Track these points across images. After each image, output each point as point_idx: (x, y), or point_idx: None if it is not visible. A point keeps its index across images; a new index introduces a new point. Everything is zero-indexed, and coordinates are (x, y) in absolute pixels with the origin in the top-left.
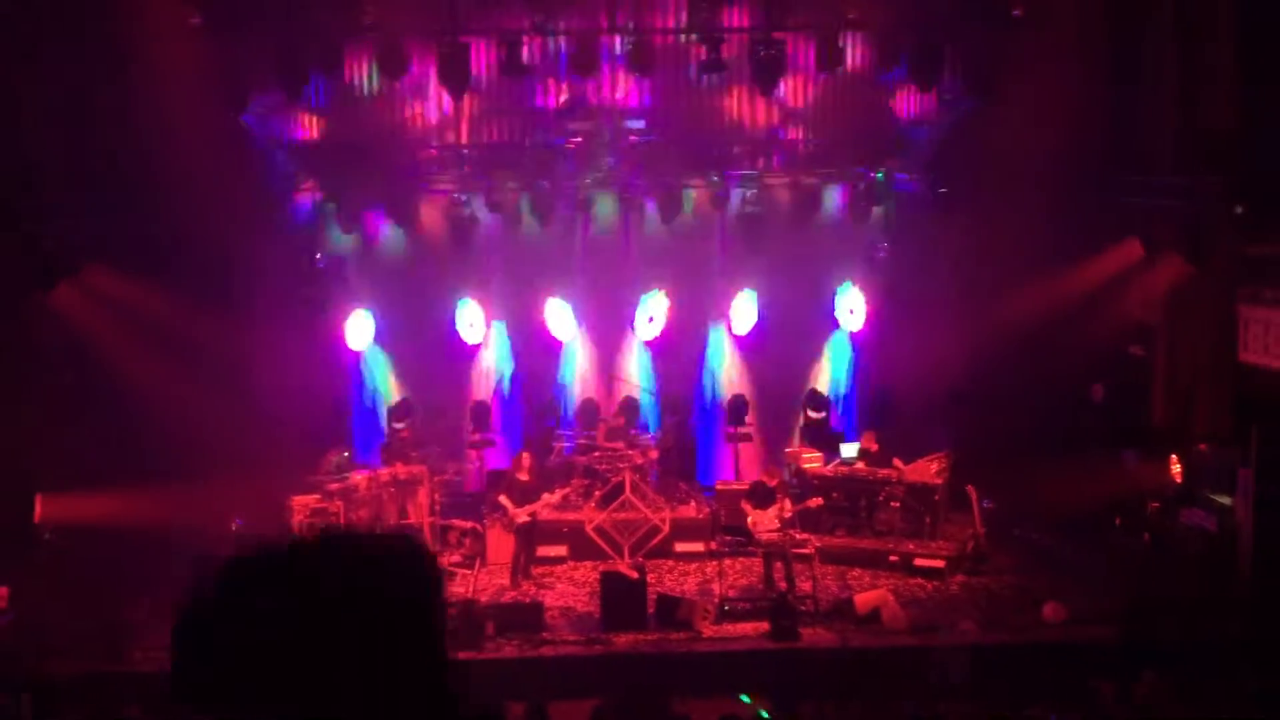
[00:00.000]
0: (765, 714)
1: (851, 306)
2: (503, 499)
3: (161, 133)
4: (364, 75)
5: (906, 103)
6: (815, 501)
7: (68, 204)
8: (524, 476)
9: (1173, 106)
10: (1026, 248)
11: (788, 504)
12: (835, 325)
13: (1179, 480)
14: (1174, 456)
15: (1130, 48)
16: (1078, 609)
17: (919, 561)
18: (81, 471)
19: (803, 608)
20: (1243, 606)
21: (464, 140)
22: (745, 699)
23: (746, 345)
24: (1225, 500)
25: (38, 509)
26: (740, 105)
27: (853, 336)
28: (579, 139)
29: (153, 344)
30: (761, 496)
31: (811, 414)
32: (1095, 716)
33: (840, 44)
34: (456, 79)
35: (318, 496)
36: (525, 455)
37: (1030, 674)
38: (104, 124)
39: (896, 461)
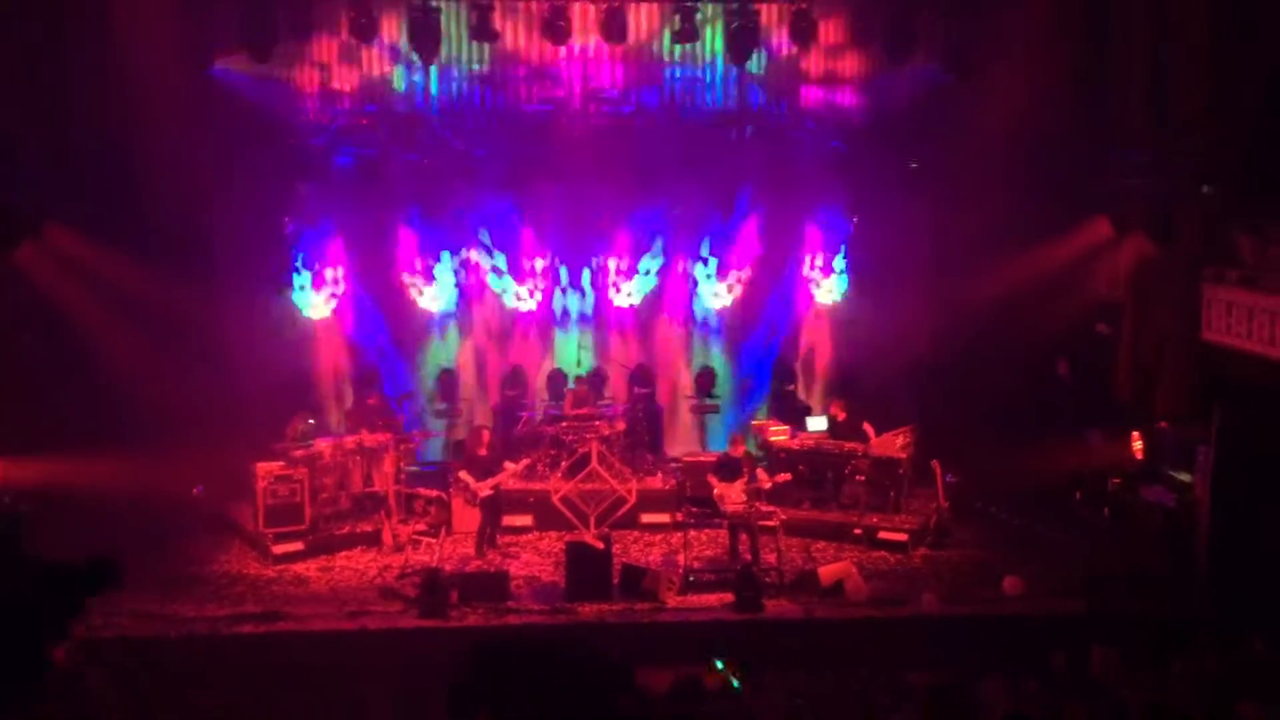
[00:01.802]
0: (736, 684)
1: (820, 280)
2: (463, 475)
3: (127, 93)
4: (333, 37)
5: (880, 77)
6: (784, 477)
7: (30, 163)
8: (483, 452)
9: (1144, 87)
10: (996, 224)
11: (762, 475)
12: (804, 298)
13: (1140, 457)
14: (1136, 433)
15: (1103, 27)
16: (1037, 583)
17: (883, 535)
18: (41, 436)
19: (767, 579)
20: (1200, 582)
21: (436, 106)
22: (719, 665)
23: (716, 317)
24: (1185, 477)
25: None
26: (711, 75)
27: (821, 310)
28: (549, 108)
29: (116, 307)
30: (728, 470)
31: (779, 386)
32: (1051, 688)
33: (814, 17)
34: (427, 43)
35: (282, 464)
36: (485, 431)
37: (989, 646)
38: (68, 83)
39: (867, 426)
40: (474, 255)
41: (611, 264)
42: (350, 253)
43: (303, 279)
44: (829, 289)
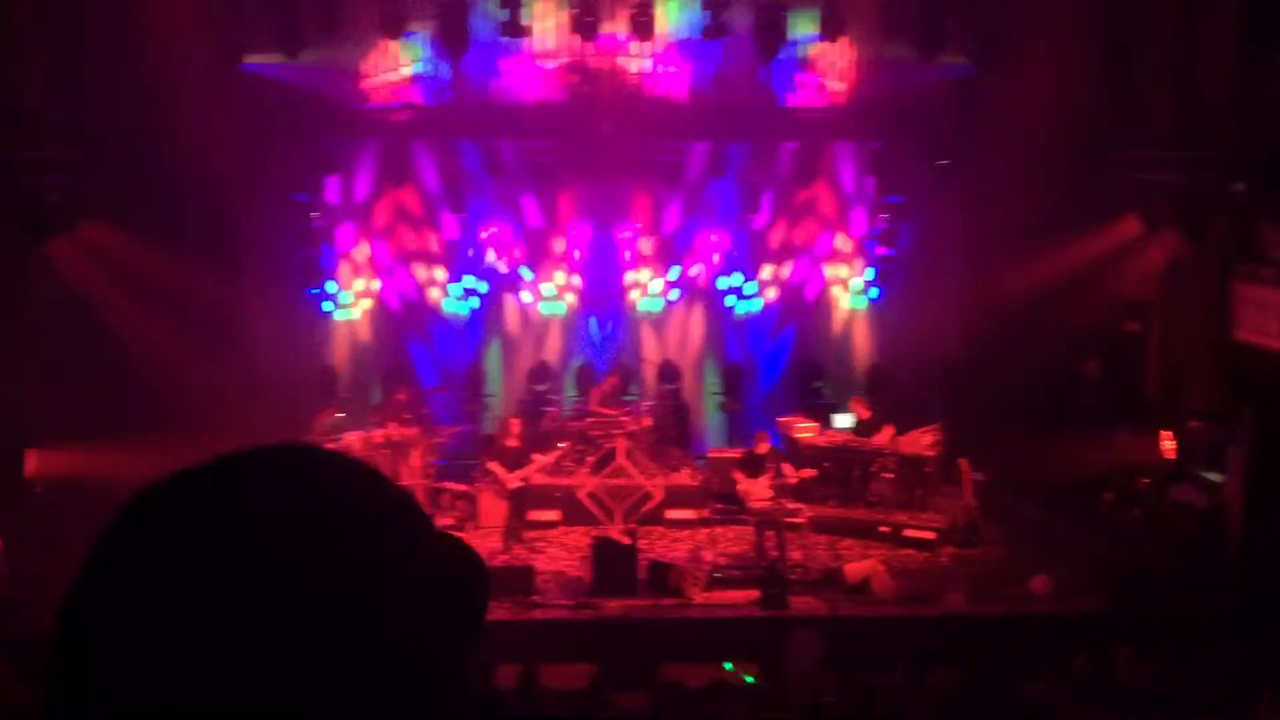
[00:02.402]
0: (751, 679)
1: (850, 276)
2: (493, 466)
3: (160, 88)
4: (363, 34)
5: (908, 73)
6: (809, 473)
7: (66, 158)
8: (513, 443)
9: (1172, 82)
10: (1025, 221)
11: (788, 469)
12: (832, 295)
13: (1171, 456)
14: (1166, 432)
15: (1131, 22)
16: (1066, 582)
17: (909, 532)
18: (74, 427)
19: (793, 576)
20: (1230, 583)
21: (461, 99)
22: (729, 666)
23: (743, 314)
24: (1216, 477)
25: (29, 463)
26: (743, 70)
27: (849, 307)
28: (578, 103)
29: (148, 300)
30: (753, 465)
31: (806, 383)
32: (1078, 688)
33: (843, 12)
34: (455, 40)
35: None
36: (514, 421)
37: (1017, 645)
38: (103, 78)
39: (889, 430)
40: (502, 249)
41: (638, 256)
42: (379, 247)
43: (331, 273)
44: (857, 286)
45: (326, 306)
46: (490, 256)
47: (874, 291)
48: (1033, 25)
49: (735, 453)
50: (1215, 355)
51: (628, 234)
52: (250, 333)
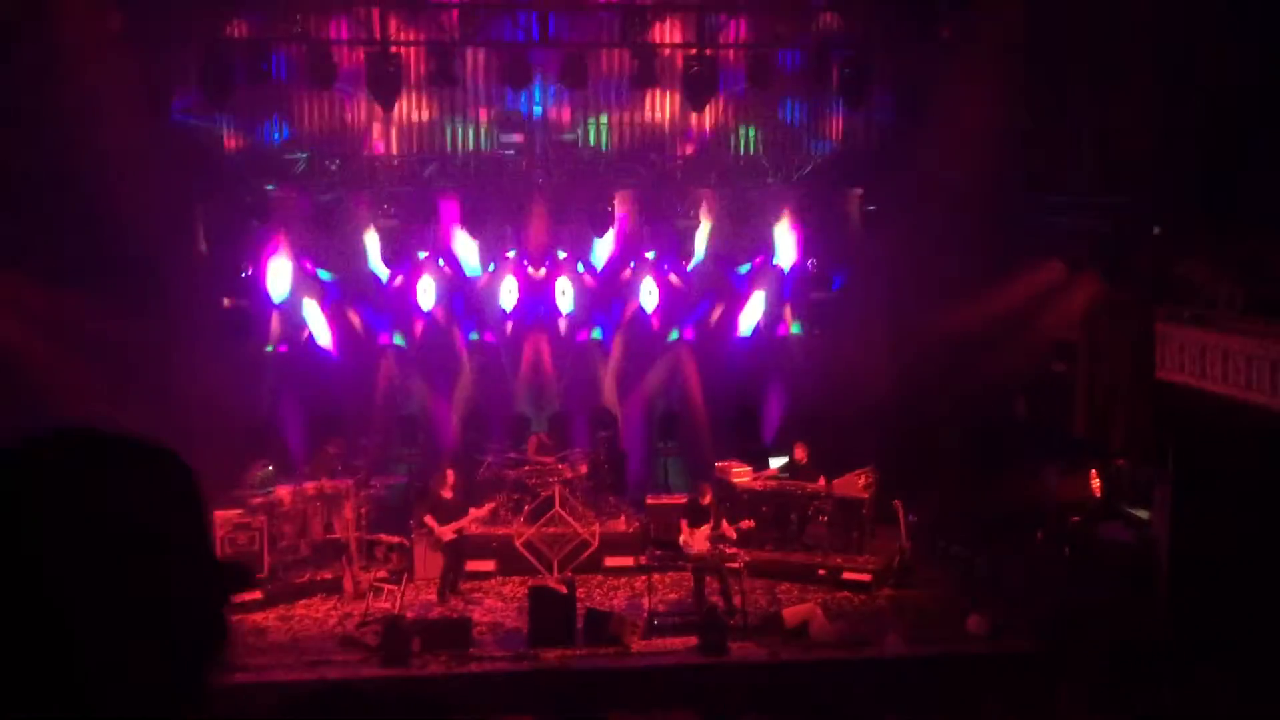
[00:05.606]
0: None
1: (780, 321)
2: (428, 519)
3: (85, 136)
4: (291, 82)
5: (835, 121)
6: (747, 523)
7: None
8: (448, 494)
9: (1092, 129)
10: (952, 265)
11: (725, 525)
12: (765, 340)
13: (1099, 494)
14: (1094, 471)
15: (1052, 71)
16: (1000, 621)
17: (846, 575)
18: None
19: (731, 622)
20: (1160, 618)
21: (393, 150)
22: None
23: (678, 359)
24: (1143, 514)
25: None
26: (672, 118)
27: (782, 351)
28: (510, 151)
29: (71, 350)
30: (695, 514)
31: (740, 427)
32: None
33: (771, 62)
34: (386, 89)
35: (240, 511)
36: (449, 472)
37: (955, 685)
38: (24, 127)
39: (822, 481)
40: (435, 298)
41: (570, 304)
42: (310, 295)
43: (260, 323)
44: (789, 330)
45: (255, 356)
46: (424, 302)
47: (801, 330)
48: (959, 73)
49: (675, 499)
50: (1140, 394)
51: (561, 279)
52: (178, 384)
